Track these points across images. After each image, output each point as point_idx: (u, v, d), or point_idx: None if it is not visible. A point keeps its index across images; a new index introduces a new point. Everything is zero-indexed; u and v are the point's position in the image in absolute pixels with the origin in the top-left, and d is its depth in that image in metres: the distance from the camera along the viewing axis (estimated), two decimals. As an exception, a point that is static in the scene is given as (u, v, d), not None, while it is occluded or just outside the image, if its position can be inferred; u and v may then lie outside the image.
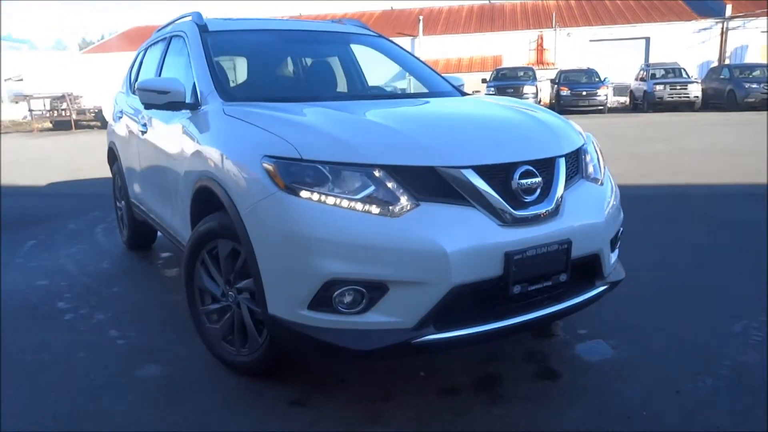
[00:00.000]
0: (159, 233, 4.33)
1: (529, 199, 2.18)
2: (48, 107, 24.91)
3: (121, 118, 4.46)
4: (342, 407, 2.28)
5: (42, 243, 5.03)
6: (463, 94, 3.54)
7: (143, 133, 3.68)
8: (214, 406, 2.32)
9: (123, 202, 4.62)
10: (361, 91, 3.89)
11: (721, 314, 3.04)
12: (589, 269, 2.41)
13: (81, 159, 11.53)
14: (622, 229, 2.67)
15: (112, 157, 4.79)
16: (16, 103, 29.09)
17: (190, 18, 3.54)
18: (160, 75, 3.76)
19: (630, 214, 5.07)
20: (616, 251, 2.65)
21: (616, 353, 2.68)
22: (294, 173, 2.08)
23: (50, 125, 24.81)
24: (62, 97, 24.26)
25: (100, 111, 23.12)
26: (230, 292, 2.47)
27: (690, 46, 28.31)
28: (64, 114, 23.93)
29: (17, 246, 4.93)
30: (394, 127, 2.31)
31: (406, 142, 2.19)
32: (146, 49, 4.43)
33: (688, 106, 20.50)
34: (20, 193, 8.03)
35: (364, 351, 2.04)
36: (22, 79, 34.98)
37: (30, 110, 24.78)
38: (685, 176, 7.31)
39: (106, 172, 5.27)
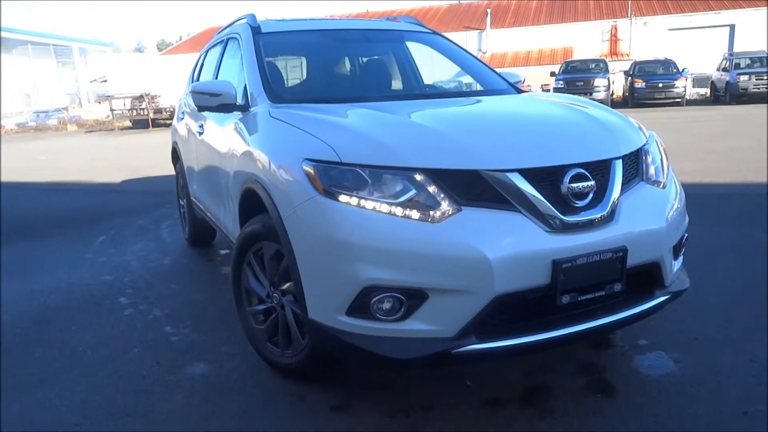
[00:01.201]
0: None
1: (580, 203, 2.06)
2: (128, 107, 26.23)
3: (182, 119, 4.59)
4: (382, 415, 2.23)
5: (111, 239, 5.26)
6: (519, 91, 3.41)
7: (200, 134, 3.77)
8: (257, 408, 2.33)
9: (185, 200, 4.77)
10: (415, 90, 3.82)
11: (802, 328, 2.78)
12: (648, 278, 2.26)
13: (154, 157, 12.04)
14: (687, 234, 2.49)
15: (175, 156, 4.95)
16: (99, 103, 30.78)
17: (245, 20, 3.59)
18: (217, 77, 3.84)
19: (702, 216, 4.80)
20: (680, 259, 2.47)
21: (678, 368, 2.49)
22: (333, 177, 2.05)
23: (130, 124, 26.08)
24: (141, 97, 25.47)
25: (175, 110, 24.10)
26: (275, 294, 2.48)
27: (780, 33, 26.44)
28: (142, 113, 25.11)
29: (88, 241, 5.18)
30: (437, 129, 2.23)
31: (449, 145, 2.11)
32: (207, 51, 4.54)
33: (775, 97, 19.14)
34: (96, 190, 8.48)
35: (402, 360, 1.98)
36: (106, 80, 37.05)
37: (111, 110, 26.16)
38: (769, 174, 6.80)
39: (173, 170, 5.45)
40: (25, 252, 4.96)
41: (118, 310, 3.48)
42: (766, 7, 26.81)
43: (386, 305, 1.98)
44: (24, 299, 3.72)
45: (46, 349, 2.98)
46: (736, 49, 24.99)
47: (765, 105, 17.97)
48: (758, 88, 19.17)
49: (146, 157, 12.39)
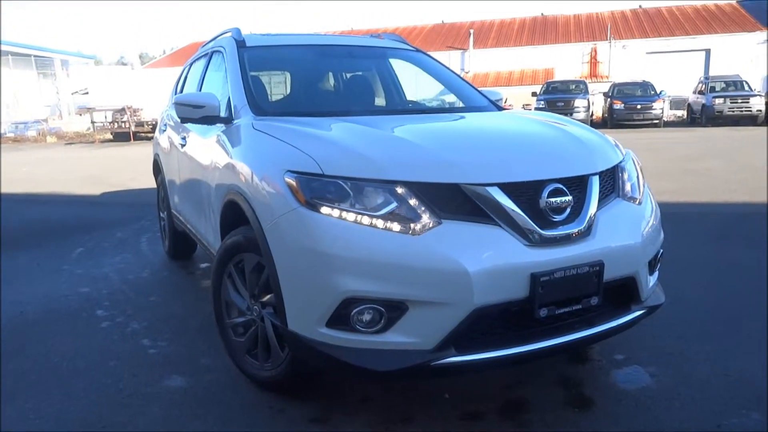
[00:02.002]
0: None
1: (558, 218, 2.10)
2: (109, 119, 26.02)
3: (165, 131, 4.58)
4: (361, 427, 2.23)
5: (90, 251, 5.20)
6: (500, 108, 3.47)
7: (183, 146, 3.76)
8: (235, 421, 2.31)
9: (165, 212, 4.74)
10: (398, 106, 3.87)
11: (773, 343, 2.84)
12: (624, 293, 2.30)
13: (134, 169, 11.94)
14: (662, 251, 2.54)
15: (156, 168, 4.92)
16: (80, 115, 30.50)
17: (230, 34, 3.61)
18: (200, 89, 3.85)
19: (679, 234, 4.89)
20: (656, 274, 2.52)
21: (654, 382, 2.53)
22: (315, 189, 2.06)
23: (111, 136, 25.86)
24: (122, 110, 25.29)
25: (157, 123, 23.96)
26: (255, 306, 2.47)
27: (754, 58, 27.17)
28: (124, 126, 24.93)
29: (66, 253, 5.11)
30: (418, 143, 2.27)
31: (430, 159, 2.14)
32: (191, 64, 4.55)
33: (750, 120, 19.67)
34: (75, 202, 8.38)
35: (382, 372, 1.99)
36: (87, 93, 36.72)
37: (92, 122, 25.94)
38: (744, 194, 6.95)
39: (154, 182, 5.42)
40: (3, 263, 4.87)
41: (96, 322, 3.44)
42: (739, 33, 27.56)
43: (366, 317, 1.98)
44: (2, 310, 3.65)
45: (22, 360, 2.92)
46: (711, 73, 25.61)
47: (739, 127, 18.41)
48: (733, 111, 19.68)
49: (127, 170, 12.28)
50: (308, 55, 3.65)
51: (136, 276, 4.39)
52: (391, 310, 1.96)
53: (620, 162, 2.48)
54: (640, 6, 33.68)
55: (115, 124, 25.66)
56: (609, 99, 22.00)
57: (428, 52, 4.16)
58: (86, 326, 3.38)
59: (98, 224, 6.38)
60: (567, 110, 19.90)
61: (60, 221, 6.78)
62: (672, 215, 4.96)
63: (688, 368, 2.63)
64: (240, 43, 3.38)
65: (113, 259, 4.88)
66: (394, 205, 2.00)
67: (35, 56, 38.27)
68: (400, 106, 3.86)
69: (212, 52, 3.81)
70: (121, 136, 25.02)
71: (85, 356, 2.95)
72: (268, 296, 2.36)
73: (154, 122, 24.81)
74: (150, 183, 5.81)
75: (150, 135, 25.19)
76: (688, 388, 2.46)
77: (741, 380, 2.51)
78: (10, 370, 2.82)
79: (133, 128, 24.57)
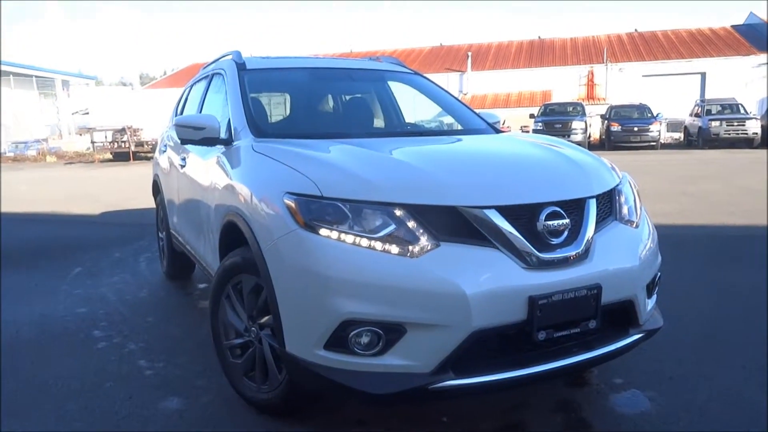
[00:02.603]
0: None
1: (555, 241, 2.11)
2: (109, 139, 26.13)
3: (165, 151, 4.61)
4: (359, 452, 2.21)
5: (87, 270, 5.19)
6: (498, 131, 3.49)
7: (182, 166, 3.78)
8: (231, 444, 2.29)
9: (164, 232, 4.74)
10: (396, 128, 3.89)
11: (772, 367, 2.83)
12: (622, 316, 2.30)
13: (134, 189, 11.96)
14: (660, 274, 2.54)
15: (156, 189, 4.94)
16: (81, 135, 30.64)
17: (230, 56, 3.65)
18: (201, 111, 3.88)
19: (677, 257, 4.89)
20: (654, 297, 2.52)
21: (653, 406, 2.52)
22: (314, 210, 2.07)
23: (110, 156, 25.94)
24: (122, 130, 25.41)
25: (157, 143, 24.05)
26: (253, 328, 2.47)
27: (749, 82, 27.43)
28: (123, 146, 25.02)
29: (64, 273, 5.10)
30: (417, 166, 2.28)
31: (429, 181, 2.15)
32: (191, 86, 4.59)
33: (746, 143, 19.81)
34: (74, 222, 8.37)
35: (379, 395, 1.98)
36: (88, 113, 36.94)
37: (92, 142, 26.04)
38: (741, 217, 6.97)
39: (153, 202, 5.43)
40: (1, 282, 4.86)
41: (92, 343, 3.42)
42: (734, 57, 27.87)
43: (364, 339, 1.98)
44: (-5, 331, 3.64)
45: (16, 381, 2.90)
46: (707, 96, 25.85)
47: (736, 150, 18.54)
48: (729, 134, 19.83)
49: (126, 190, 12.31)
50: (308, 78, 3.69)
51: (133, 296, 4.38)
52: (389, 333, 1.95)
53: (617, 185, 2.50)
54: (635, 30, 34.10)
55: (115, 144, 25.76)
56: (606, 121, 22.18)
57: (427, 74, 4.21)
58: (82, 347, 3.36)
59: (97, 244, 6.37)
60: (564, 132, 20.04)
61: (58, 241, 6.77)
62: (669, 237, 4.97)
63: (687, 392, 2.62)
64: (240, 66, 3.42)
65: (111, 279, 4.86)
66: (392, 227, 2.01)
67: (36, 77, 38.53)
68: (399, 129, 3.89)
69: (213, 75, 3.85)
70: (121, 156, 25.10)
71: (80, 377, 2.93)
72: (266, 318, 2.35)
73: (153, 142, 24.92)
74: (149, 203, 5.82)
75: (149, 155, 25.30)
76: (687, 413, 2.45)
77: (740, 404, 2.50)
78: (4, 391, 2.80)
79: (132, 148, 24.66)
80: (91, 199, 10.86)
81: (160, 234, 5.04)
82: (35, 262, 5.60)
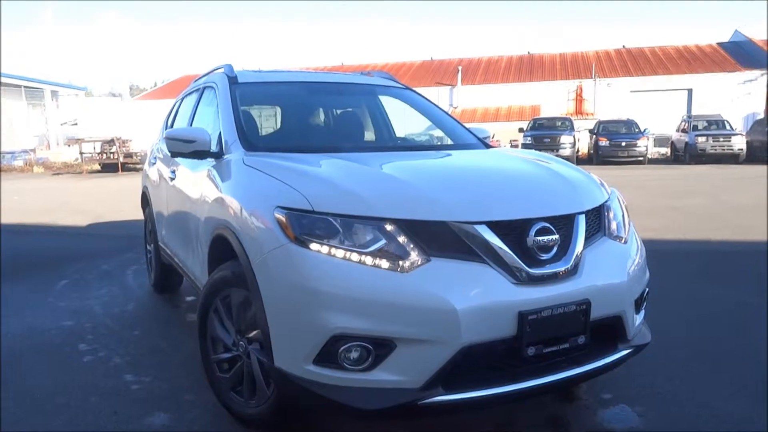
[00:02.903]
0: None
1: (545, 256, 2.12)
2: (98, 150, 25.97)
3: (154, 164, 4.59)
4: (347, 468, 2.19)
5: (74, 283, 5.14)
6: (488, 146, 3.52)
7: (172, 179, 3.77)
8: (218, 460, 2.27)
9: (152, 245, 4.71)
10: (387, 142, 3.91)
11: (761, 385, 2.85)
12: (611, 331, 2.31)
13: (122, 201, 11.89)
14: (648, 289, 2.56)
15: (145, 201, 4.91)
16: (69, 146, 30.44)
17: (222, 70, 3.65)
18: (192, 124, 3.87)
19: (665, 272, 4.93)
20: (642, 313, 2.53)
21: (642, 421, 2.52)
22: (305, 225, 2.07)
23: (99, 167, 25.78)
24: (111, 141, 25.27)
25: (146, 155, 23.96)
26: (241, 342, 2.45)
27: (734, 98, 27.85)
28: (112, 157, 24.87)
29: (50, 285, 5.05)
30: (407, 181, 2.29)
31: (419, 196, 2.16)
32: (182, 99, 4.58)
33: (732, 158, 20.06)
34: (61, 233, 8.30)
35: (369, 411, 1.97)
36: (76, 124, 36.75)
37: (81, 153, 25.87)
38: (728, 232, 7.04)
39: (142, 214, 5.39)
40: (-18, 295, 4.80)
41: (78, 356, 3.38)
42: (720, 73, 28.29)
43: (354, 354, 1.97)
44: (-22, 344, 3.59)
45: (3, 394, 2.86)
46: (693, 112, 26.19)
47: (722, 165, 18.76)
48: (715, 150, 20.08)
49: (114, 201, 12.22)
50: (299, 92, 3.70)
51: (120, 309, 4.34)
52: (379, 348, 1.95)
53: (606, 201, 2.52)
54: (623, 46, 34.55)
55: (104, 155, 25.58)
56: (594, 136, 22.38)
57: (417, 88, 4.24)
58: (68, 361, 3.32)
59: (84, 255, 6.31)
60: (553, 146, 20.18)
61: (45, 252, 6.70)
62: (657, 253, 5.01)
63: (675, 408, 2.63)
64: (232, 80, 3.42)
65: (98, 292, 4.82)
66: (383, 242, 2.01)
67: (25, 87, 38.30)
68: (390, 143, 3.90)
69: (204, 88, 3.85)
70: (110, 167, 24.93)
71: (66, 392, 2.89)
72: (255, 332, 2.34)
73: (142, 153, 24.80)
74: (137, 215, 5.79)
75: (138, 166, 25.20)
76: (676, 428, 2.45)
77: (728, 420, 2.51)
78: (-12, 406, 2.75)
79: (121, 159, 24.51)
80: (79, 210, 10.78)
81: (148, 246, 5.00)
82: (21, 274, 5.53)
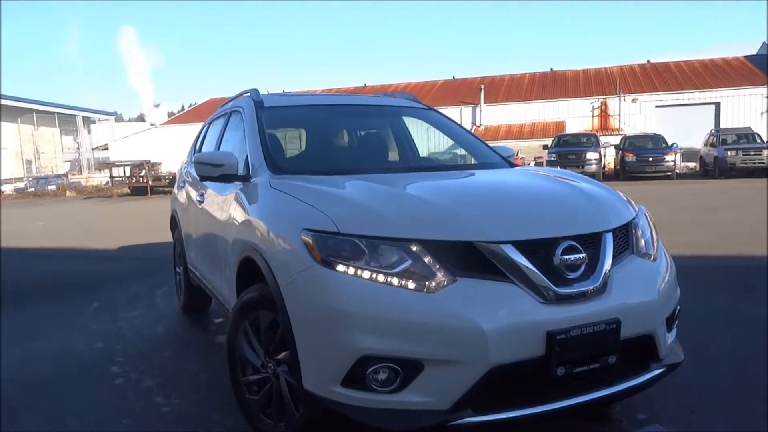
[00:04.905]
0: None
1: (572, 275, 2.10)
2: (127, 174, 26.57)
3: (183, 187, 4.68)
4: (376, 491, 2.18)
5: (105, 305, 5.23)
6: (512, 165, 3.52)
7: (201, 202, 3.84)
8: (248, 483, 2.27)
9: (181, 267, 4.78)
10: (411, 163, 3.93)
11: (799, 403, 2.76)
12: (642, 351, 2.27)
13: (151, 223, 12.10)
14: (679, 307, 2.51)
15: (174, 224, 5.00)
16: (100, 170, 31.19)
17: (248, 95, 3.73)
18: (219, 148, 3.95)
19: (696, 289, 4.82)
20: (674, 331, 2.49)
21: (676, 443, 2.46)
22: (331, 246, 2.09)
23: (129, 190, 26.33)
24: (140, 165, 25.83)
25: (174, 178, 24.41)
26: (270, 364, 2.46)
27: (764, 111, 27.33)
28: (141, 180, 25.40)
29: (81, 308, 5.15)
30: (433, 201, 2.30)
31: (444, 216, 2.17)
32: (210, 123, 4.68)
33: (763, 172, 19.59)
34: (91, 257, 8.47)
35: (397, 433, 1.96)
36: (107, 148, 37.70)
37: (111, 177, 26.47)
38: (759, 247, 6.87)
39: (170, 237, 5.48)
40: (17, 318, 4.91)
41: (109, 378, 3.43)
42: (748, 87, 27.82)
43: (382, 376, 1.97)
44: (14, 366, 3.67)
45: (33, 417, 2.92)
46: (722, 125, 25.76)
47: (753, 179, 18.36)
48: (746, 163, 19.69)
49: (143, 224, 12.45)
50: (324, 115, 3.76)
51: (150, 331, 4.40)
52: (407, 369, 1.95)
53: (633, 218, 2.50)
54: (648, 61, 34.26)
55: (133, 178, 26.16)
56: (621, 151, 22.13)
57: (440, 108, 4.27)
58: (100, 383, 3.37)
59: (114, 278, 6.43)
60: (579, 163, 20.01)
61: (75, 275, 6.85)
62: (688, 269, 4.91)
63: (710, 428, 2.56)
64: (258, 104, 3.49)
65: (128, 314, 4.90)
66: (408, 263, 2.02)
67: (58, 113, 39.47)
68: (414, 164, 3.92)
69: (231, 112, 3.93)
70: (139, 191, 25.46)
71: (97, 414, 2.94)
72: (283, 354, 2.35)
73: (171, 176, 25.28)
74: (165, 237, 5.89)
75: (167, 189, 25.64)
76: (713, 451, 2.39)
77: (767, 442, 2.43)
78: (21, 427, 2.81)
79: (150, 182, 25.01)
80: (109, 234, 11.00)
81: (177, 269, 5.08)
82: (53, 297, 5.65)
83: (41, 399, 3.15)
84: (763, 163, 19.56)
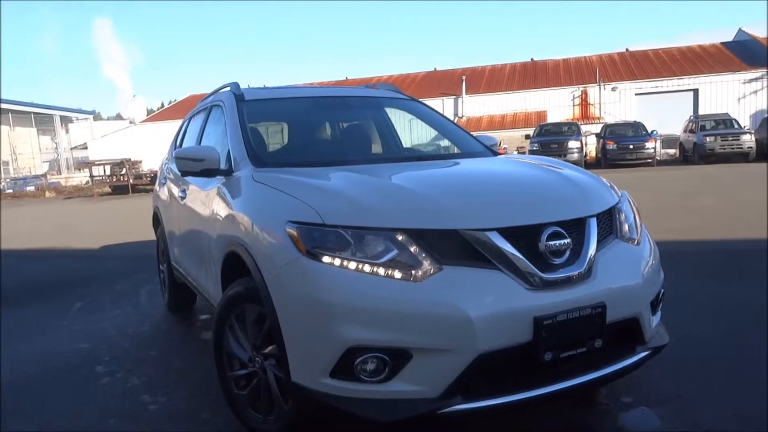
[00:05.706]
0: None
1: (558, 261, 2.11)
2: (108, 173, 26.27)
3: (165, 184, 4.63)
4: (368, 481, 2.18)
5: (88, 305, 5.17)
6: (495, 153, 3.52)
7: (182, 198, 3.80)
8: (238, 478, 2.26)
9: (165, 264, 4.73)
10: (394, 154, 3.92)
11: (781, 382, 2.81)
12: (628, 334, 2.29)
13: (133, 222, 11.97)
14: (663, 290, 2.54)
15: (156, 221, 4.95)
16: (80, 170, 30.79)
17: (229, 88, 3.69)
18: (200, 143, 3.91)
19: (679, 273, 4.88)
20: (659, 314, 2.51)
21: (663, 424, 2.49)
22: (316, 238, 2.08)
23: (109, 189, 26.04)
24: (121, 163, 25.55)
25: (156, 175, 24.18)
26: (257, 358, 2.45)
27: (741, 97, 27.71)
28: (122, 179, 25.13)
29: (65, 308, 5.08)
30: (417, 190, 2.30)
31: (429, 205, 2.17)
32: (190, 118, 4.63)
33: (741, 157, 19.91)
34: (74, 256, 8.36)
35: (388, 422, 1.96)
36: (86, 147, 37.21)
37: (91, 176, 26.15)
38: (741, 231, 6.97)
39: (153, 235, 5.43)
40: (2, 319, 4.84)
41: (95, 378, 3.39)
42: (725, 74, 28.16)
43: (370, 366, 1.97)
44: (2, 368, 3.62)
45: (19, 420, 2.87)
46: (701, 112, 26.06)
47: (731, 164, 18.63)
48: (724, 149, 19.96)
49: (125, 223, 12.31)
50: (306, 107, 3.73)
51: (135, 330, 4.36)
52: (395, 359, 1.95)
53: (617, 203, 2.51)
54: (626, 50, 34.52)
55: (114, 177, 25.87)
56: (602, 140, 22.32)
57: (422, 99, 4.26)
58: (86, 383, 3.33)
59: (97, 278, 6.36)
60: (561, 152, 20.16)
61: (59, 276, 6.76)
62: (671, 254, 4.96)
63: (697, 410, 2.59)
64: (239, 98, 3.46)
65: (112, 313, 4.84)
66: (394, 252, 2.01)
67: (35, 113, 38.84)
68: (397, 154, 3.91)
69: (211, 106, 3.88)
70: (120, 189, 25.19)
71: (84, 415, 2.90)
72: (271, 347, 2.34)
73: (152, 174, 25.05)
74: (149, 235, 5.83)
75: (149, 187, 25.38)
76: (698, 430, 2.42)
77: (750, 421, 2.47)
78: (6, 430, 2.76)
79: (131, 181, 24.76)
80: (91, 233, 10.87)
81: (161, 266, 5.03)
82: (36, 298, 5.57)
83: (26, 402, 3.10)
84: (741, 148, 19.84)
